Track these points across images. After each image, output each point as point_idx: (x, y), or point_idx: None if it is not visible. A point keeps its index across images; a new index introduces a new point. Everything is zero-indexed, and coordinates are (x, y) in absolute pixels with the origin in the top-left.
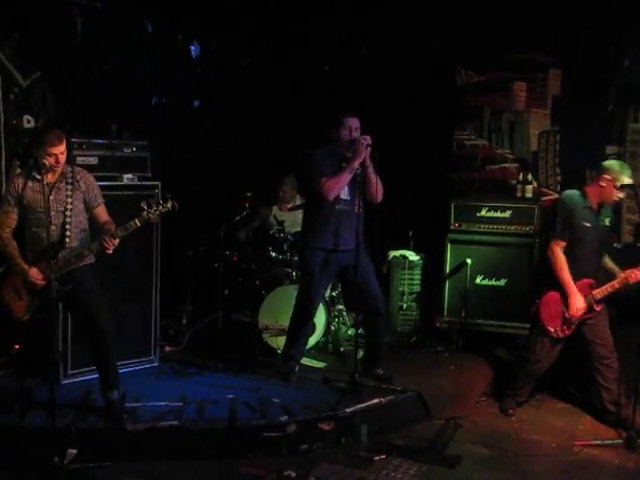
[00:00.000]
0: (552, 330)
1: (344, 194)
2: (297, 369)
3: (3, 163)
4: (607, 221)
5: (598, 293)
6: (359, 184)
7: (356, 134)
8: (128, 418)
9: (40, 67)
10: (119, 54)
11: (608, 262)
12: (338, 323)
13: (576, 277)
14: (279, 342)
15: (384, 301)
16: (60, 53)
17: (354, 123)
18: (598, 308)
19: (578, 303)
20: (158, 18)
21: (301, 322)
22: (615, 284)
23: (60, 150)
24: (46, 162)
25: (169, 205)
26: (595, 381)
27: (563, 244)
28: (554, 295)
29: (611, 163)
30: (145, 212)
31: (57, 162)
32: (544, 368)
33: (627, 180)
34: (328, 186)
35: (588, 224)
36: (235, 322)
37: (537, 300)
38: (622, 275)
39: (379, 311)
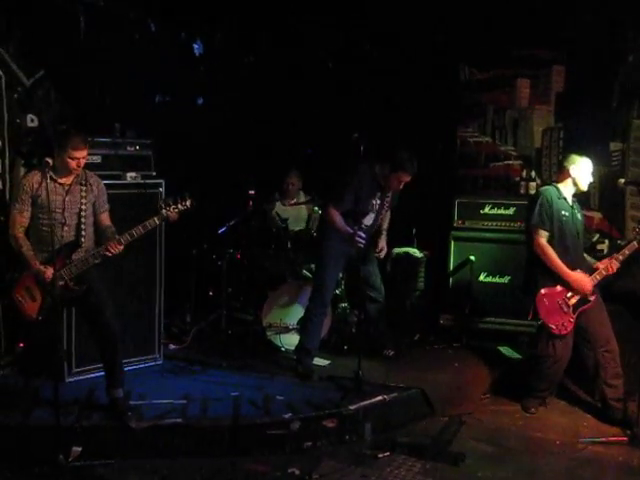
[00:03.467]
0: (553, 327)
1: (368, 220)
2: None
3: (7, 162)
4: (579, 215)
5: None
6: (379, 211)
7: (399, 186)
8: (132, 416)
9: (44, 66)
10: (122, 53)
11: (585, 257)
12: (341, 320)
13: (566, 264)
14: (283, 340)
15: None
16: (64, 52)
17: (404, 178)
18: (592, 297)
19: (582, 281)
20: (161, 16)
21: (314, 310)
22: (602, 271)
23: (83, 154)
24: (49, 161)
25: (188, 203)
26: (598, 377)
27: (546, 234)
28: (547, 291)
29: (571, 155)
30: (164, 210)
31: (78, 166)
32: (564, 365)
33: (588, 164)
34: (330, 218)
35: (567, 213)
36: (239, 320)
37: (531, 298)
38: (601, 266)
39: (374, 298)
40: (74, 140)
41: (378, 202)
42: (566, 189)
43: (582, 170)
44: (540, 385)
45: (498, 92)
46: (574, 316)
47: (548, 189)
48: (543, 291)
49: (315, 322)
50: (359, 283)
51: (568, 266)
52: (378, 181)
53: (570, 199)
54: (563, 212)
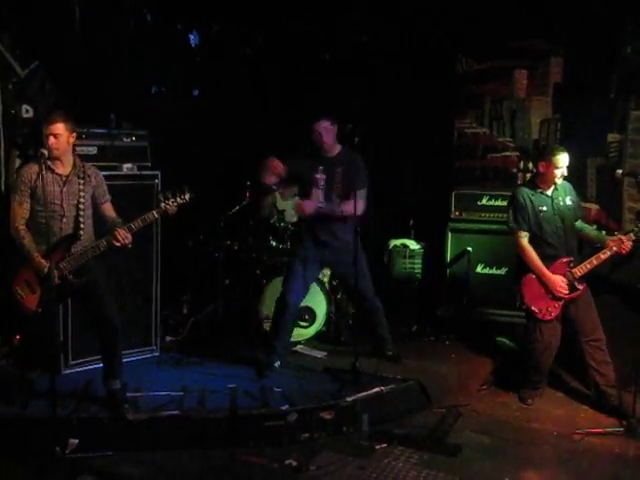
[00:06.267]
0: (537, 311)
1: (319, 198)
2: (278, 364)
3: (2, 153)
4: (568, 199)
5: (578, 270)
6: (335, 189)
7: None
8: (129, 408)
9: (38, 56)
10: (118, 43)
11: (593, 232)
12: (339, 312)
13: (550, 259)
14: None
15: (370, 298)
16: (59, 42)
17: (318, 126)
18: (581, 287)
19: (557, 283)
20: (157, 7)
21: (278, 309)
22: (594, 260)
23: (56, 130)
24: (45, 152)
25: (187, 196)
26: (588, 366)
27: (526, 234)
28: (535, 276)
29: (546, 149)
30: (163, 204)
31: (57, 146)
32: (554, 351)
33: (562, 159)
34: None
35: (545, 207)
36: (235, 312)
37: (519, 285)
38: (611, 243)
39: (363, 306)
40: (49, 117)
41: (324, 177)
42: (541, 181)
43: (554, 164)
44: (534, 375)
45: (496, 83)
46: (560, 303)
47: (521, 189)
48: (530, 276)
49: (279, 323)
50: (353, 298)
51: (549, 257)
52: (319, 152)
53: (550, 190)
54: (540, 207)
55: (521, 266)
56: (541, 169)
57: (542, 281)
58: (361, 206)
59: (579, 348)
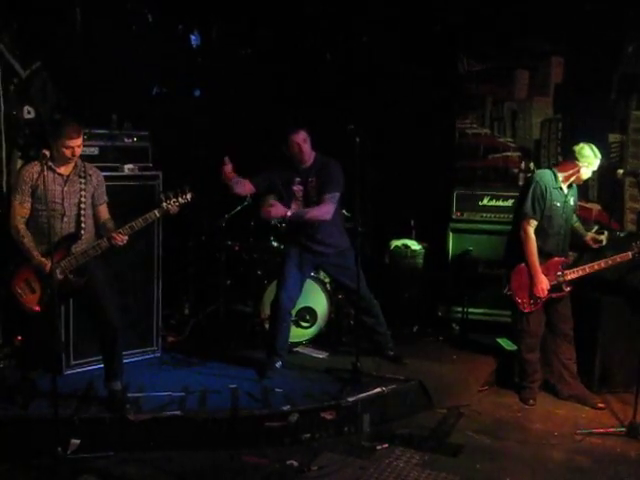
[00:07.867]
0: (519, 302)
1: (292, 208)
2: (279, 365)
3: (4, 154)
4: (572, 200)
5: (569, 274)
6: (306, 198)
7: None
8: (131, 408)
9: (40, 57)
10: (119, 44)
11: (583, 231)
12: (340, 312)
13: (546, 254)
14: None
15: (366, 296)
16: (60, 43)
17: (295, 139)
18: (568, 289)
19: (543, 284)
20: (158, 7)
21: (274, 311)
22: (587, 268)
23: (77, 143)
24: (47, 153)
25: (188, 196)
26: (556, 359)
27: (535, 223)
28: (525, 267)
29: (586, 151)
30: (164, 203)
31: (73, 155)
32: (539, 340)
33: (597, 164)
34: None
35: (558, 204)
36: (237, 312)
37: (509, 270)
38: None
39: (358, 305)
40: (67, 130)
41: (301, 188)
42: (565, 178)
43: (590, 169)
44: (528, 367)
45: (497, 83)
46: (542, 300)
47: (545, 176)
48: (522, 266)
49: (276, 325)
50: (348, 299)
51: (546, 252)
52: (294, 163)
53: (566, 188)
54: (555, 202)
55: (511, 250)
56: (583, 169)
57: (529, 274)
58: (328, 210)
59: (549, 340)
